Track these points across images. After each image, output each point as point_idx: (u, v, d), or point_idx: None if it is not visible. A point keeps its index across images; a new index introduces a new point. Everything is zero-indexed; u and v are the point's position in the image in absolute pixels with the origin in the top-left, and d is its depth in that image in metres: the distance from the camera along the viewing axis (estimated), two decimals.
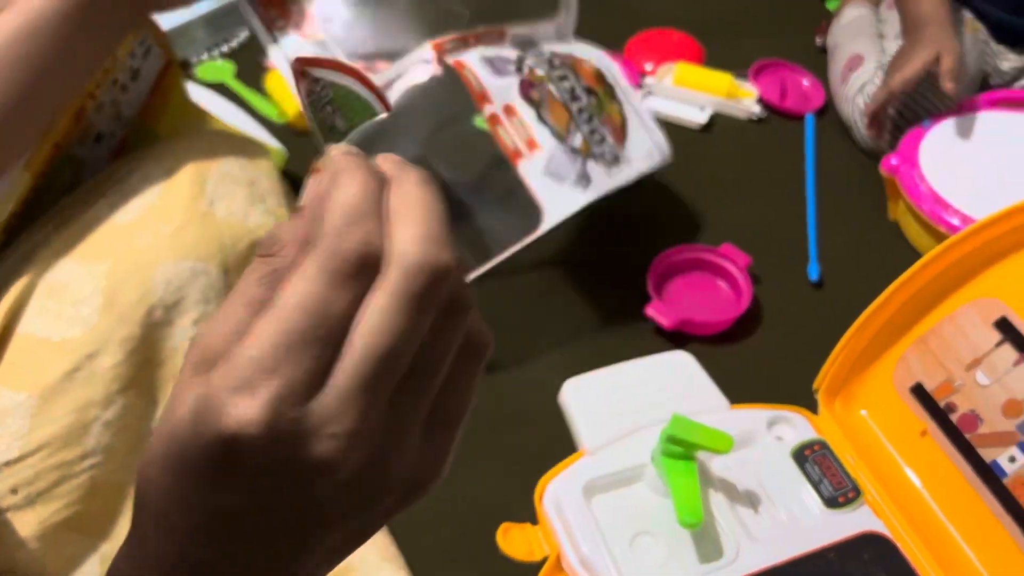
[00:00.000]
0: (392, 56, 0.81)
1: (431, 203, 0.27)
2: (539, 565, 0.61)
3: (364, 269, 0.26)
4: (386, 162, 0.29)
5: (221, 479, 0.26)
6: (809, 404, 0.73)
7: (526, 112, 0.78)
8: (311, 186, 0.28)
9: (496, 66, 0.80)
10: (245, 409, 0.25)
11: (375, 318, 0.26)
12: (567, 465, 0.65)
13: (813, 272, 0.91)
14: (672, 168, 1.02)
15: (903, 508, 0.66)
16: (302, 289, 0.26)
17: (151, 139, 0.67)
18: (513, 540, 0.61)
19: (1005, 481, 0.65)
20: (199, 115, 0.75)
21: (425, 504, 0.30)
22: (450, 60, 0.79)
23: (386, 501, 0.28)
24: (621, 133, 0.83)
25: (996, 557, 0.64)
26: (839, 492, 0.65)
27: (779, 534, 0.63)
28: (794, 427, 0.70)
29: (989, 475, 0.66)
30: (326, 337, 0.26)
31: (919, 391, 0.71)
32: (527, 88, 0.79)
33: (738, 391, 0.78)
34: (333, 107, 0.34)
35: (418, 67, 0.80)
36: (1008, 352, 0.67)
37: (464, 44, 0.81)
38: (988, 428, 0.67)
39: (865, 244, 0.85)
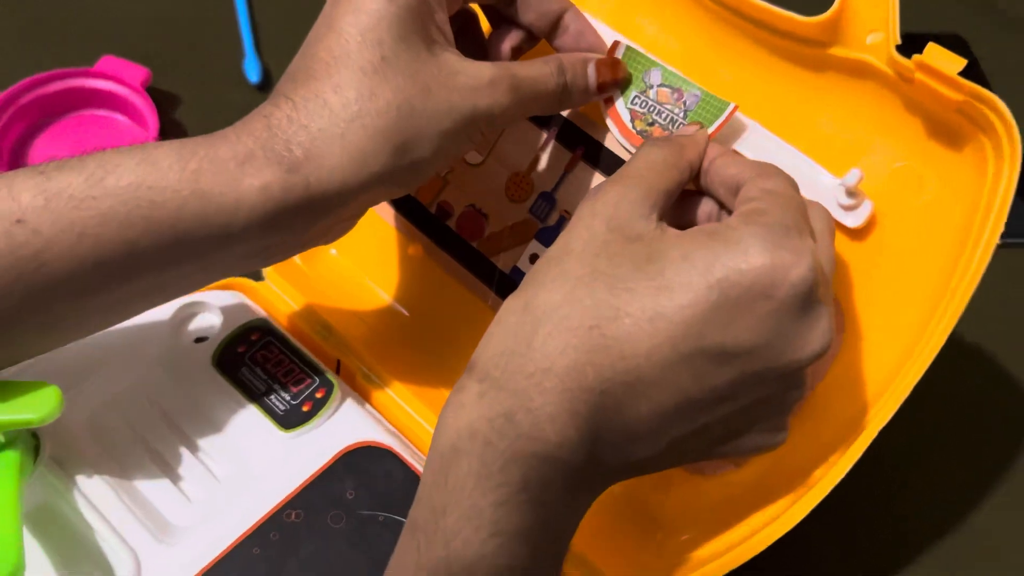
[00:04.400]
0: None
1: None
2: None
3: None
4: None
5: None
6: (254, 274, 0.46)
7: None
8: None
9: None
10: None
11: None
12: None
13: (252, 70, 0.62)
14: None
15: (406, 379, 0.43)
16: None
17: None
18: None
19: None
20: None
21: None
22: None
23: None
24: None
25: None
26: (300, 397, 0.40)
27: (208, 516, 0.36)
28: (218, 314, 0.43)
29: (512, 291, 0.44)
30: None
31: (400, 198, 0.47)
32: None
33: None
34: None
35: None
36: None
37: None
38: (497, 224, 0.45)
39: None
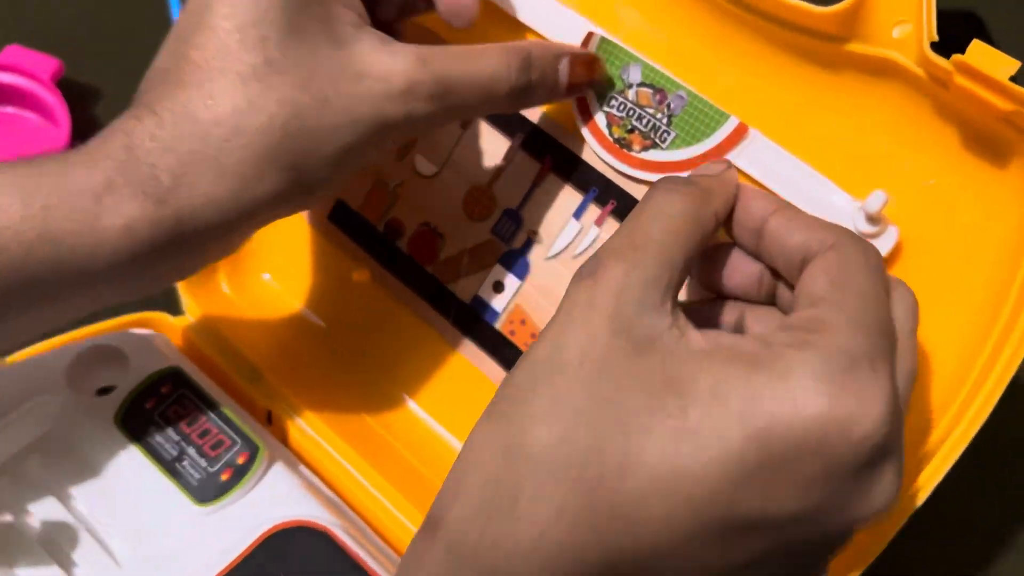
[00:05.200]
0: None
1: None
2: None
3: None
4: None
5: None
6: (173, 305, 0.40)
7: None
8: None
9: None
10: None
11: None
12: None
13: None
14: None
15: (350, 434, 0.37)
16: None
17: None
18: None
19: (498, 325, 0.38)
20: None
21: None
22: None
23: None
24: None
25: None
26: (219, 463, 0.34)
27: None
28: (125, 359, 0.36)
29: (472, 324, 0.38)
30: None
31: (342, 212, 0.41)
32: None
33: None
34: None
35: None
36: None
37: None
38: (454, 246, 0.39)
39: None
